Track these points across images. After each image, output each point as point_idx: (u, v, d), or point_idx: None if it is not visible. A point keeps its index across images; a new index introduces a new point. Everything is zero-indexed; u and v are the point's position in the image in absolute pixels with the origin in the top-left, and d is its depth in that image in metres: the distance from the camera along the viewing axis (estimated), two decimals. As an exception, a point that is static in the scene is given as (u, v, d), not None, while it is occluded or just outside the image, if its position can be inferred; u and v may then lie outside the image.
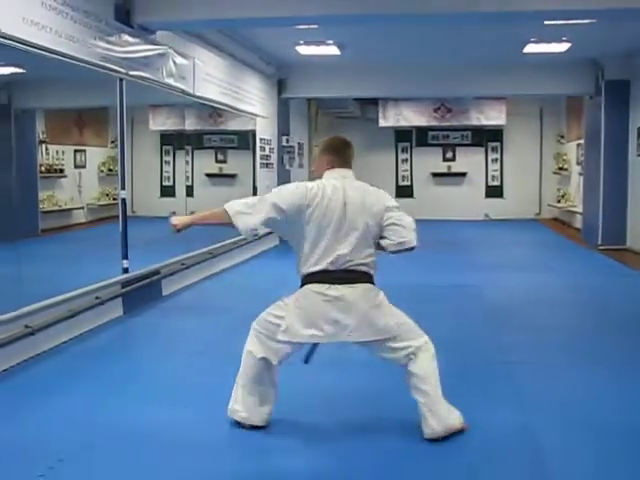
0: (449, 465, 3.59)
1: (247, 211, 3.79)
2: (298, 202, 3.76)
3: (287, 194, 3.83)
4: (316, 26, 9.04)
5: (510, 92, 14.47)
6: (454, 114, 16.70)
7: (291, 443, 3.83)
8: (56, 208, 11.50)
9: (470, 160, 18.32)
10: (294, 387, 4.38)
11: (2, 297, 5.70)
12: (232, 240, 10.45)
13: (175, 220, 3.99)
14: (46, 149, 11.77)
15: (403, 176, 18.65)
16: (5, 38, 5.27)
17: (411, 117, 16.78)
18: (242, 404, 3.97)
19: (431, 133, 18.23)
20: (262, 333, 3.89)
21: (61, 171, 11.99)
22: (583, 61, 12.25)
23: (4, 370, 5.13)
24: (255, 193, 12.47)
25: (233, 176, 14.39)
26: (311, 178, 4.16)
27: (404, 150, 18.65)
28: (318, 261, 3.76)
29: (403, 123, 16.94)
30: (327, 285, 3.74)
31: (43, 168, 11.68)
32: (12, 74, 7.86)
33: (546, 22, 8.51)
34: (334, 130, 18.24)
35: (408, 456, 3.66)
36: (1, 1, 5.17)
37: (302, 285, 3.85)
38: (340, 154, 3.99)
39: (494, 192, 18.39)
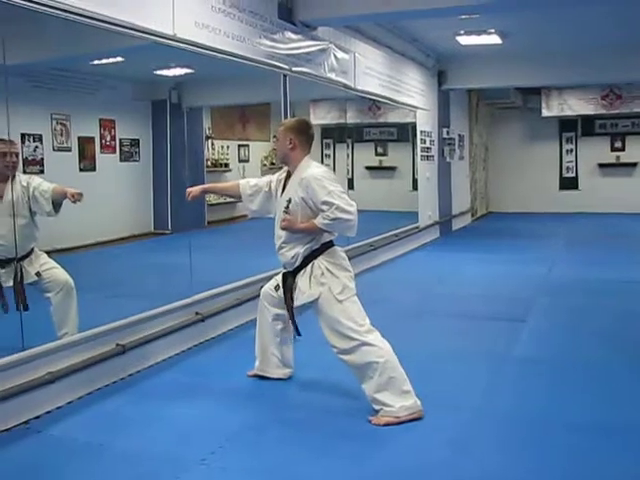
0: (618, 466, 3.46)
1: None
2: None
3: None
4: (477, 15, 8.86)
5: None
6: (624, 101, 15.85)
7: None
8: (222, 201, 11.91)
9: (641, 149, 17.36)
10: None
11: (177, 285, 6.06)
12: (393, 232, 10.56)
13: None
14: (212, 144, 12.28)
15: (568, 167, 17.94)
16: (181, 42, 5.59)
17: (576, 106, 16.10)
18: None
19: (598, 122, 17.42)
20: None
21: (226, 165, 12.46)
22: None
23: (176, 354, 5.45)
24: (415, 185, 12.46)
25: (393, 169, 14.43)
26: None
27: (569, 140, 17.93)
28: None
29: (568, 112, 16.27)
30: None
31: (209, 162, 12.19)
32: (183, 75, 8.26)
33: None
34: (495, 121, 17.94)
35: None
36: (176, 8, 5.47)
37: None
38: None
39: (667, 183, 17.33)
